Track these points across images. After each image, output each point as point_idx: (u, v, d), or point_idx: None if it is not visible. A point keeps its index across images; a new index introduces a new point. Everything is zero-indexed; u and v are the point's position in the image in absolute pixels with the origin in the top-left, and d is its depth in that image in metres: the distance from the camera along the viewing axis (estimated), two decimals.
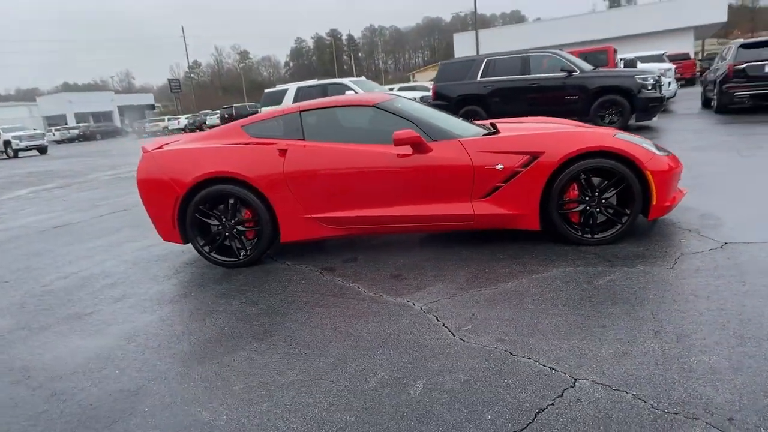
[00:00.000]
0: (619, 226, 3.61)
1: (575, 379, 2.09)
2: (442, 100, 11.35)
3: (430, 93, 11.91)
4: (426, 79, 34.52)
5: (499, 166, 3.60)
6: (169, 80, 58.50)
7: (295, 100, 13.50)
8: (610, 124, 9.78)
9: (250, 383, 2.33)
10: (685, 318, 2.49)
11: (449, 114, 4.56)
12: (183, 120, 40.77)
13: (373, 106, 3.97)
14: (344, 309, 3.02)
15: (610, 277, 3.07)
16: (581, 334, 2.45)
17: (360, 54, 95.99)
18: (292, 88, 13.84)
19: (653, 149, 3.63)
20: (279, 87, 14.69)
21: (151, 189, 4.00)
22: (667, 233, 3.73)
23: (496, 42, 32.40)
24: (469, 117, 10.24)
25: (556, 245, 3.69)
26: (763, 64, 10.67)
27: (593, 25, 31.86)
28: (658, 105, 9.86)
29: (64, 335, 3.06)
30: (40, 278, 4.25)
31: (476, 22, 33.05)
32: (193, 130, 39.70)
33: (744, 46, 11.19)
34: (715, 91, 11.62)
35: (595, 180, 3.63)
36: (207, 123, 40.11)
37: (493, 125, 4.41)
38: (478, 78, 10.92)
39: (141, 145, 4.24)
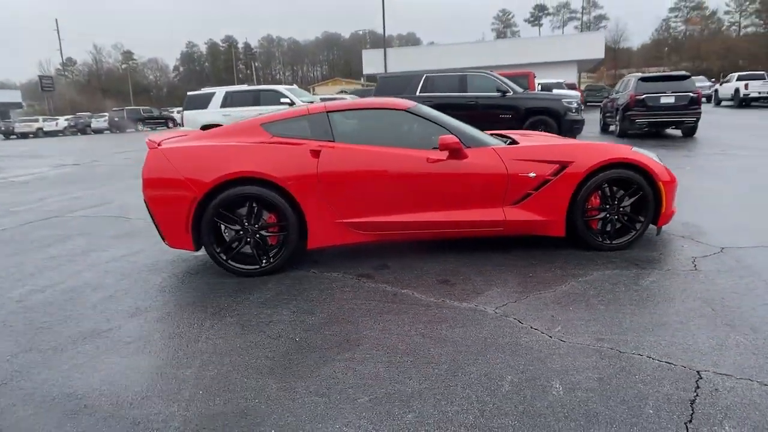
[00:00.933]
0: (634, 232, 3.91)
1: (698, 372, 2.22)
2: None
3: None
4: (326, 93, 34.52)
5: (532, 174, 3.74)
6: (40, 77, 52.21)
7: (224, 105, 12.88)
8: None
9: (374, 395, 2.16)
10: (743, 311, 2.76)
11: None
12: (62, 121, 36.66)
13: (405, 110, 3.92)
14: (416, 315, 2.91)
15: (651, 278, 3.31)
16: (668, 329, 2.61)
17: (257, 63, 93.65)
18: (219, 92, 13.13)
19: (660, 162, 4.00)
20: (205, 90, 13.89)
21: (161, 189, 3.57)
22: (666, 240, 4.11)
23: (400, 61, 33.53)
24: None
25: (577, 251, 3.89)
26: (659, 96, 12.23)
27: (484, 52, 34.03)
28: (580, 126, 10.88)
29: (96, 355, 2.59)
30: (5, 293, 3.56)
31: (384, 41, 33.88)
32: (74, 134, 35.87)
33: (643, 79, 12.75)
34: (618, 117, 13.07)
35: (612, 189, 3.90)
36: (92, 126, 36.50)
37: (504, 136, 4.56)
38: (418, 93, 11.21)
39: (146, 138, 3.77)
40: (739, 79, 24.18)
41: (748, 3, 65.81)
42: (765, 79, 23.63)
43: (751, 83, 23.06)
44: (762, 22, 64.15)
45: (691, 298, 2.96)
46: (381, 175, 3.68)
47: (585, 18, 77.47)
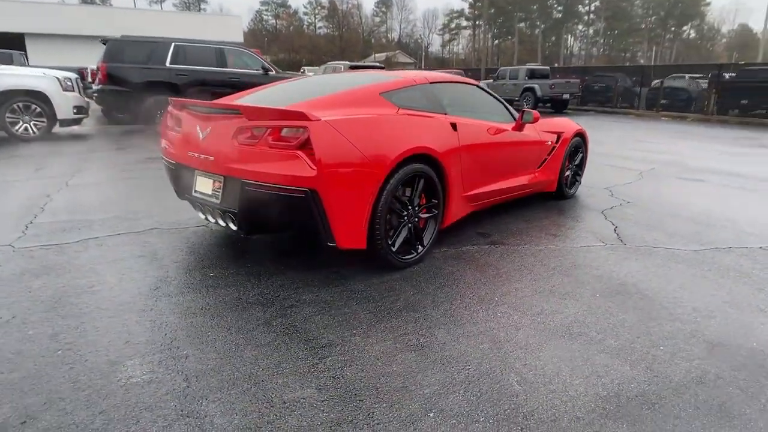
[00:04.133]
0: (579, 185, 5.35)
1: None
2: (117, 85, 9.40)
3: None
4: None
5: (549, 142, 4.64)
6: None
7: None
8: None
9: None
10: None
11: None
12: None
13: (476, 85, 4.09)
14: (555, 255, 3.45)
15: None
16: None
17: None
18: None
19: None
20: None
21: (340, 174, 2.69)
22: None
23: None
24: (161, 107, 9.21)
25: (560, 201, 5.04)
26: None
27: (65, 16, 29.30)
28: None
29: None
30: None
31: None
32: None
33: (352, 67, 14.65)
34: None
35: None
36: None
37: None
38: (168, 64, 9.70)
39: (303, 111, 2.64)
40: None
41: (319, 8, 79.51)
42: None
43: None
44: (332, 25, 78.80)
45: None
46: (489, 146, 3.85)
47: None
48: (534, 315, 2.63)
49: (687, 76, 20.37)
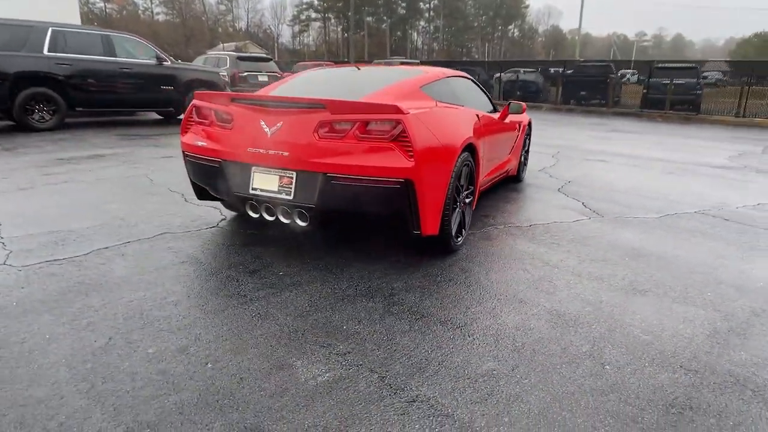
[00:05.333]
0: (526, 168, 6.00)
1: None
2: None
3: None
4: None
5: (517, 129, 5.18)
6: None
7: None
8: None
9: None
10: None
11: None
12: None
13: (470, 79, 4.40)
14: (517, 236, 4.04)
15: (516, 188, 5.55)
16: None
17: None
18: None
19: None
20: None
21: (429, 164, 2.81)
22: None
23: None
24: (38, 102, 8.09)
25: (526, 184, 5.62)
26: (256, 74, 13.92)
27: None
28: None
29: None
30: None
31: None
32: None
33: (240, 58, 13.98)
34: None
35: None
36: None
37: None
38: (45, 51, 8.39)
39: (395, 103, 2.63)
40: None
41: None
42: None
43: None
44: (172, 11, 72.96)
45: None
46: (495, 135, 4.21)
47: None
48: (598, 280, 3.05)
49: (522, 70, 22.74)
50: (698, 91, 16.41)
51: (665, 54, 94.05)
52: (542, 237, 3.81)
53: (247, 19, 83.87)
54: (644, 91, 17.42)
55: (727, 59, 44.78)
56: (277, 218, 3.02)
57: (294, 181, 2.86)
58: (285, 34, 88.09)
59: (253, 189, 2.99)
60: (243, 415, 1.76)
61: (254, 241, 3.49)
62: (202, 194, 3.60)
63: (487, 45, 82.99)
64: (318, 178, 2.77)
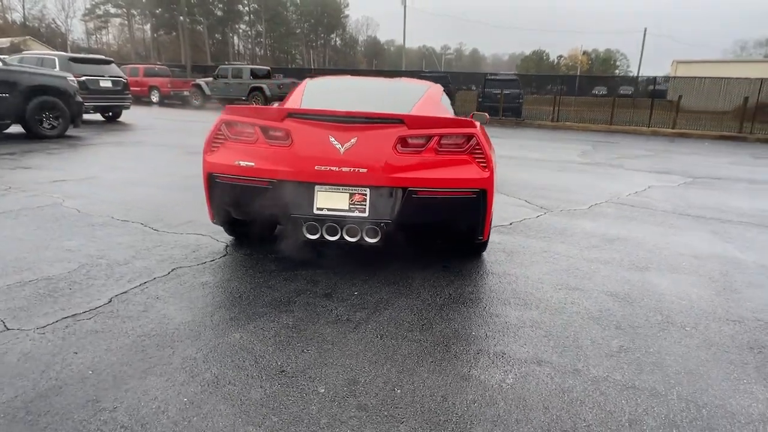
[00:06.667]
0: None
1: None
2: None
3: None
4: None
5: None
6: None
7: None
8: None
9: None
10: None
11: None
12: None
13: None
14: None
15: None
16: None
17: None
18: None
19: None
20: None
21: (493, 174, 3.02)
22: None
23: None
24: None
25: None
26: (98, 79, 12.26)
27: None
28: (82, 110, 9.68)
29: None
30: None
31: None
32: None
33: (73, 60, 12.10)
34: None
35: None
36: None
37: None
38: None
39: (470, 119, 2.71)
40: None
41: None
42: None
43: None
44: None
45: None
46: None
47: None
48: (607, 263, 3.59)
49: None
50: (520, 100, 19.10)
51: (465, 66, 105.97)
52: (529, 232, 4.27)
53: (24, 10, 71.54)
54: (479, 99, 19.64)
55: (515, 72, 52.28)
56: (341, 237, 2.92)
57: (367, 197, 2.82)
58: (77, 30, 77.67)
59: (318, 209, 2.85)
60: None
61: (293, 266, 3.28)
62: (233, 226, 3.40)
63: (311, 52, 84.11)
64: (397, 193, 2.79)
